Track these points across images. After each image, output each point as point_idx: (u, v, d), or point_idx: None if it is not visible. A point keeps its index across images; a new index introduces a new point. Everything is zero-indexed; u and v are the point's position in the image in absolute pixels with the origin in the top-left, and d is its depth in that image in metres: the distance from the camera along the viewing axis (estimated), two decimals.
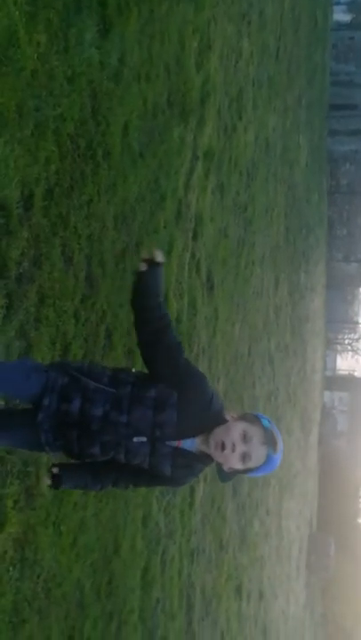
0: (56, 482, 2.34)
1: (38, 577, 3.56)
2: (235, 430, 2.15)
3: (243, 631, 8.90)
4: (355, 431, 43.42)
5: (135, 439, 2.17)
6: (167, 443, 2.19)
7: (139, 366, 5.03)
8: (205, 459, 2.26)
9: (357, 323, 47.58)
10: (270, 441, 2.16)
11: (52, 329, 3.64)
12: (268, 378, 11.27)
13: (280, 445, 2.18)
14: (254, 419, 2.21)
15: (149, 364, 2.29)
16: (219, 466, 2.23)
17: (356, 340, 47.07)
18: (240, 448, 2.14)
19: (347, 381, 45.06)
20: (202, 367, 6.74)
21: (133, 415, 2.18)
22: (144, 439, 2.17)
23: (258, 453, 2.16)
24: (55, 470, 2.33)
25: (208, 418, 2.21)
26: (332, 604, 30.66)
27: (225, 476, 2.27)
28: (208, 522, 7.04)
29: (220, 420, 2.21)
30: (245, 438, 2.15)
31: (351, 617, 32.95)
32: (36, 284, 3.39)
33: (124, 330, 4.69)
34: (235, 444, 2.14)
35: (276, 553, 12.48)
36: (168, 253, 5.63)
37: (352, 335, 47.77)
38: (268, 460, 2.18)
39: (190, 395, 2.21)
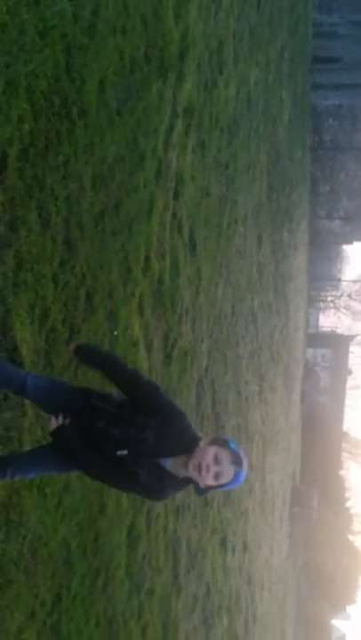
0: (57, 430, 2.78)
1: (24, 538, 3.60)
2: (208, 454, 2.65)
3: (228, 581, 9.15)
4: (337, 387, 44.02)
5: (118, 452, 2.71)
6: (146, 457, 2.71)
7: (121, 329, 5.01)
8: (181, 482, 2.75)
9: (340, 280, 47.74)
10: (237, 461, 2.68)
11: (31, 293, 3.60)
12: (252, 337, 11.32)
13: (245, 461, 2.71)
14: (223, 443, 2.70)
15: (135, 402, 2.81)
16: (196, 484, 2.72)
17: (339, 297, 47.30)
18: (213, 469, 2.64)
19: (329, 338, 45.41)
20: (185, 328, 6.74)
21: (122, 431, 2.74)
22: (125, 452, 2.71)
23: (228, 472, 2.67)
24: (60, 420, 2.80)
25: (183, 441, 2.71)
26: (315, 552, 31.62)
27: (201, 491, 2.78)
28: None
29: (194, 444, 2.69)
30: (217, 460, 2.64)
31: (332, 563, 34.04)
32: (12, 249, 3.33)
33: (105, 292, 4.66)
34: (209, 466, 2.63)
35: (260, 506, 12.76)
36: (148, 213, 5.56)
37: (335, 293, 47.95)
38: (236, 475, 2.69)
39: (170, 423, 2.75)
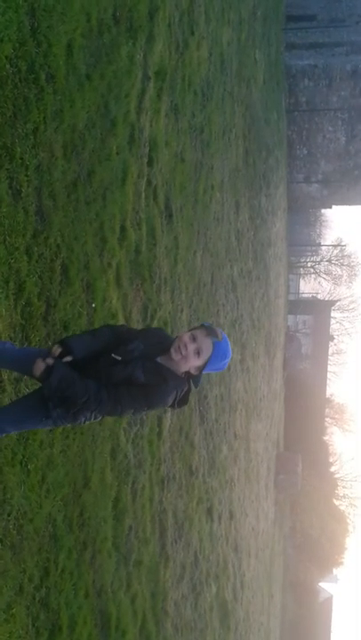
0: (48, 369, 2.78)
1: (9, 515, 3.57)
2: (184, 336, 2.86)
3: (215, 549, 9.25)
4: (319, 353, 44.41)
5: (113, 354, 2.87)
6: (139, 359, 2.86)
7: (98, 301, 4.92)
8: (179, 378, 2.88)
9: (320, 245, 47.83)
10: (211, 332, 2.85)
11: (4, 267, 3.49)
12: (232, 305, 11.28)
13: (221, 332, 2.86)
14: (198, 326, 2.92)
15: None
16: (188, 375, 2.90)
17: (319, 262, 47.43)
18: (191, 347, 2.83)
19: (310, 304, 45.67)
20: (164, 298, 6.66)
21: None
22: (119, 357, 2.86)
23: (205, 344, 2.84)
24: (49, 361, 2.80)
25: (167, 341, 2.94)
26: (301, 517, 32.21)
27: (196, 379, 2.93)
28: (177, 449, 7.15)
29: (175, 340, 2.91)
30: (194, 338, 2.84)
31: (318, 527, 34.74)
32: None
33: (81, 264, 4.55)
34: (187, 344, 2.82)
35: (245, 474, 12.88)
36: (122, 181, 5.43)
37: (315, 258, 48.08)
38: (216, 346, 2.85)
39: (153, 333, 3.06)
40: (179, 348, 2.83)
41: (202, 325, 2.90)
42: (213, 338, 2.84)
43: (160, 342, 2.96)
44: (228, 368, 10.82)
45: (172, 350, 2.85)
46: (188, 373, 2.91)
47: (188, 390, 2.97)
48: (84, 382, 2.79)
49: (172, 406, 2.94)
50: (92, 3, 4.67)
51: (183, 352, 2.82)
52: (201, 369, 2.88)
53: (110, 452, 5.15)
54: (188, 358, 2.83)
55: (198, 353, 2.83)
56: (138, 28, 5.67)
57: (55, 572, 4.10)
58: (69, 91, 4.31)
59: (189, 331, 2.91)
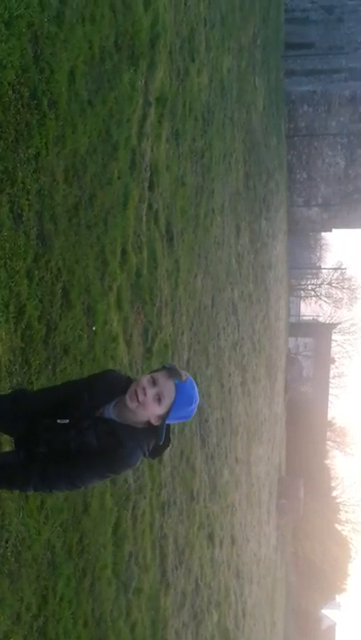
0: None
1: (7, 542, 3.52)
2: (142, 380, 2.41)
3: (216, 576, 9.12)
4: (320, 376, 44.27)
5: (59, 421, 2.44)
6: (87, 417, 2.45)
7: (99, 324, 4.91)
8: (140, 431, 2.45)
9: (320, 268, 47.96)
10: (174, 373, 2.40)
11: (5, 291, 3.49)
12: (233, 327, 11.27)
13: (185, 374, 2.43)
14: (160, 368, 2.48)
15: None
16: (155, 429, 2.45)
17: (320, 285, 47.51)
18: (151, 391, 2.37)
19: (311, 327, 45.66)
20: (165, 321, 6.66)
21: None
22: (66, 421, 2.43)
23: (167, 388, 2.38)
24: None
25: (120, 385, 2.50)
26: (303, 543, 31.83)
27: (159, 432, 2.45)
28: (178, 474, 7.08)
29: (129, 383, 2.49)
30: (154, 382, 2.39)
31: (320, 552, 34.32)
32: None
33: (82, 287, 4.56)
34: (145, 389, 2.37)
35: (246, 499, 12.75)
36: (124, 205, 5.46)
37: (315, 281, 48.17)
38: (180, 388, 2.39)
39: (100, 379, 2.62)
40: (135, 393, 2.37)
41: (163, 367, 2.47)
42: (177, 379, 2.39)
43: (110, 389, 2.52)
44: (229, 391, 10.77)
45: (128, 397, 2.40)
46: (149, 424, 2.45)
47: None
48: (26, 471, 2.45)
49: (149, 457, 2.55)
50: (94, 30, 4.73)
51: (141, 398, 2.36)
52: (163, 418, 2.41)
53: None
54: (147, 405, 2.37)
55: (159, 399, 2.37)
56: (139, 55, 5.74)
57: (54, 601, 4.03)
58: (71, 116, 4.35)
59: (149, 373, 2.47)
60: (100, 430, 2.42)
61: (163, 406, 2.39)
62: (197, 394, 2.48)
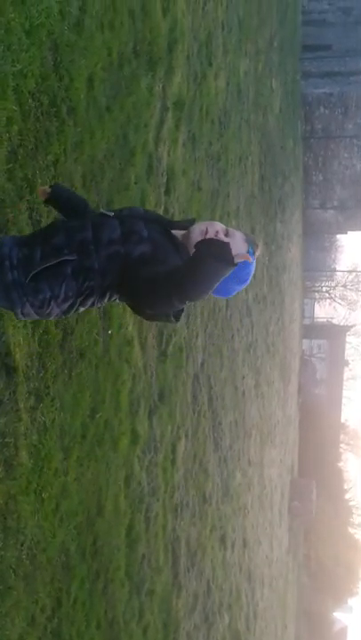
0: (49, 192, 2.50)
1: (22, 545, 3.56)
2: (217, 224, 2.17)
3: (228, 578, 9.14)
4: (334, 378, 44.09)
5: (102, 210, 2.29)
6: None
7: (115, 328, 4.93)
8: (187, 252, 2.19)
9: (335, 270, 47.74)
10: (251, 242, 2.19)
11: None
12: (247, 330, 11.28)
13: (258, 255, 2.23)
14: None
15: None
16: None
17: (334, 287, 47.31)
18: (222, 234, 2.15)
19: (325, 329, 45.48)
20: (180, 324, 6.68)
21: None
22: (111, 213, 2.25)
23: (239, 244, 2.15)
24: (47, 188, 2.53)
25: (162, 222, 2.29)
26: (315, 545, 31.71)
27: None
28: (191, 477, 7.11)
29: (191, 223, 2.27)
30: (228, 233, 2.16)
31: (333, 556, 34.18)
32: None
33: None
34: (218, 232, 2.14)
35: (258, 501, 12.75)
36: None
37: (330, 283, 47.97)
38: (246, 262, 2.18)
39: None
40: (207, 230, 2.14)
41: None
42: (251, 248, 2.18)
43: (157, 220, 2.29)
44: (243, 394, 10.79)
45: (196, 228, 2.17)
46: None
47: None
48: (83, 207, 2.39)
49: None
50: (113, 37, 4.77)
51: (210, 235, 2.13)
52: (212, 248, 2.11)
53: (124, 479, 5.14)
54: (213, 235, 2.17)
55: (227, 233, 2.18)
56: (157, 61, 5.77)
57: (67, 603, 4.07)
58: (89, 123, 4.39)
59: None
60: (152, 230, 2.22)
61: (227, 238, 2.17)
62: (249, 280, 2.32)
